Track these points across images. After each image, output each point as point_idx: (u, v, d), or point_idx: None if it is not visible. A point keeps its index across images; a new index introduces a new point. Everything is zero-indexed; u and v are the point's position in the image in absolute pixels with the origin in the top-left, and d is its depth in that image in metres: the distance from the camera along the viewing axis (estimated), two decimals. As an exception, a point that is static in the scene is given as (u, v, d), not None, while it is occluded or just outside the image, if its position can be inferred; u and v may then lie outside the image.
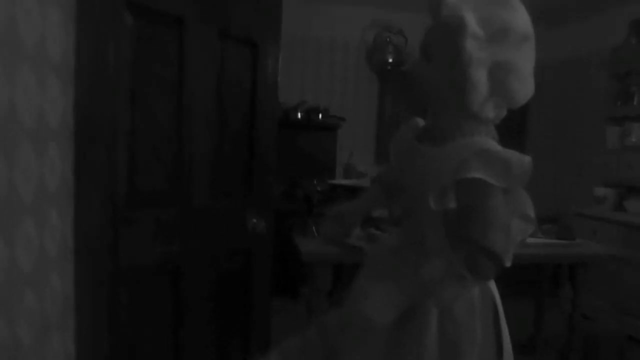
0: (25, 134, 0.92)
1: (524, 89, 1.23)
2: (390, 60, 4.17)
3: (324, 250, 2.20)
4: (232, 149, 1.66)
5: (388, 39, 4.20)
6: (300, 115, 4.04)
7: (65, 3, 1.04)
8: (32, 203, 0.94)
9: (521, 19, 1.20)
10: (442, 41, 1.22)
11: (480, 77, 1.18)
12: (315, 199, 2.55)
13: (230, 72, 1.61)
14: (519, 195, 1.27)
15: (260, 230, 1.76)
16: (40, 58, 0.97)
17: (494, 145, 1.24)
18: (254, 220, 1.75)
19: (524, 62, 1.21)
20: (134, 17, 1.24)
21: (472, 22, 1.15)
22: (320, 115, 4.10)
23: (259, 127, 1.75)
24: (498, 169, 1.18)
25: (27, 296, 0.93)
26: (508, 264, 1.18)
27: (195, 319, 1.56)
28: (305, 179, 4.01)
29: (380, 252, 1.56)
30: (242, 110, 1.70)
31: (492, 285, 1.40)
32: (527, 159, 1.17)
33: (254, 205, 1.76)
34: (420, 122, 1.68)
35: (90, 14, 1.07)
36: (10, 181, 0.87)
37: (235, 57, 1.63)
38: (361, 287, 1.41)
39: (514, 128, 4.40)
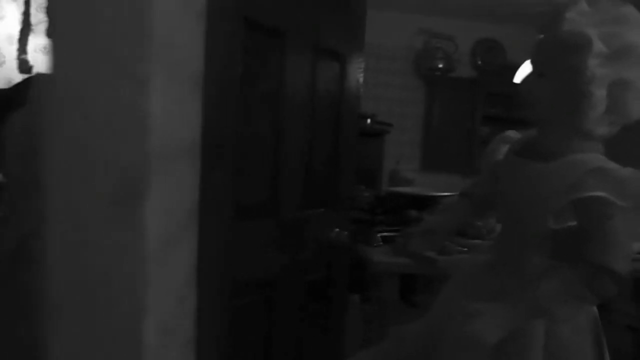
0: (166, 149, 0.94)
1: None
2: (440, 66, 4.14)
3: (393, 259, 2.20)
4: (318, 160, 1.67)
5: (438, 45, 4.18)
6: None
7: (197, 21, 1.06)
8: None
9: None
10: (559, 57, 1.21)
11: (600, 95, 1.17)
12: (378, 208, 2.54)
13: (320, 84, 1.62)
14: (636, 213, 1.25)
15: (342, 241, 1.76)
16: (176, 75, 0.99)
17: (608, 162, 1.22)
18: (337, 230, 1.75)
19: None
20: (247, 32, 1.25)
21: (596, 39, 1.14)
22: (368, 121, 4.10)
23: (342, 138, 1.75)
24: (615, 186, 1.16)
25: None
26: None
27: (285, 334, 1.57)
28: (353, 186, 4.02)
29: (472, 267, 1.55)
30: (329, 122, 1.70)
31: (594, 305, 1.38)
32: None
33: (336, 216, 1.76)
34: (515, 135, 1.66)
35: (217, 28, 1.08)
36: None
37: (324, 69, 1.64)
38: (462, 305, 1.40)
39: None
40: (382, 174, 4.24)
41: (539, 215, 1.28)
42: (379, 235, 2.44)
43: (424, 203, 2.72)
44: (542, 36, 1.28)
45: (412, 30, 4.19)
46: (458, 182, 4.34)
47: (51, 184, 0.54)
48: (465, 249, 2.18)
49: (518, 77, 2.20)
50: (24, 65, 1.24)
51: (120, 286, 0.68)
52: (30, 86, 1.15)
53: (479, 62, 4.36)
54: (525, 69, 2.76)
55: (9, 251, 1.12)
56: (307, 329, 1.70)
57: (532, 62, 1.32)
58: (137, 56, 0.57)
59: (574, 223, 1.23)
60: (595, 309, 1.36)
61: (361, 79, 1.83)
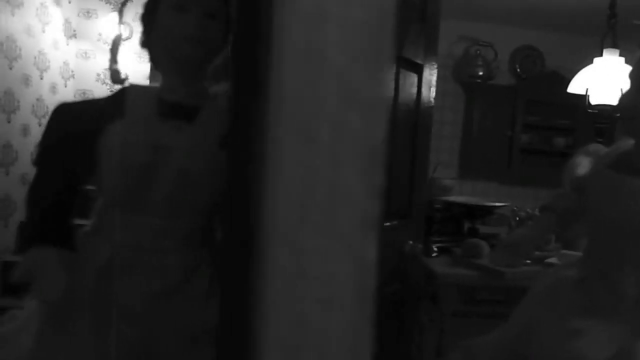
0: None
1: None
2: (480, 73, 4.10)
3: (454, 270, 2.18)
4: (398, 171, 1.65)
5: (478, 52, 4.14)
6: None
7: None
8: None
9: None
10: None
11: None
12: (436, 218, 2.51)
13: (401, 93, 1.60)
14: None
15: (416, 254, 1.74)
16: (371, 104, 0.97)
17: None
18: (411, 243, 1.73)
19: None
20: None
21: None
22: (407, 129, 4.08)
23: (418, 147, 1.74)
24: None
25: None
26: None
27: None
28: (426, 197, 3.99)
29: (556, 282, 1.51)
30: (406, 131, 1.68)
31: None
32: None
33: (411, 228, 1.74)
34: (600, 148, 1.62)
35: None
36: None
37: (404, 78, 1.62)
38: (559, 322, 1.37)
39: None
40: (420, 181, 4.20)
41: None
42: (434, 245, 2.41)
43: (476, 213, 2.68)
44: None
45: (452, 38, 4.16)
46: (496, 190, 4.31)
47: (269, 204, 0.52)
48: (529, 262, 2.14)
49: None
50: (116, 76, 1.23)
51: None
52: (125, 97, 1.14)
53: (518, 70, 4.31)
54: (578, 79, 2.71)
55: (100, 261, 1.11)
56: (379, 343, 1.68)
57: (632, 77, 1.30)
58: (372, 80, 0.55)
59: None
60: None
61: (434, 88, 1.81)
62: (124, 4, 1.57)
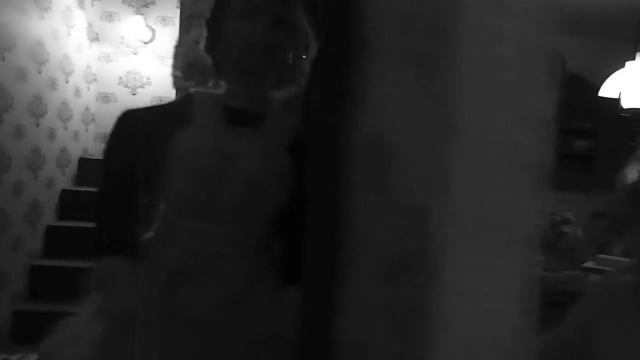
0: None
1: None
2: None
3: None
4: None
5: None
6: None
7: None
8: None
9: None
10: None
11: None
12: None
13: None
14: None
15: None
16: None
17: None
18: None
19: None
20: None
21: None
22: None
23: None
24: None
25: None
26: None
27: None
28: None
29: (610, 288, 1.50)
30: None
31: None
32: None
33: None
34: (655, 154, 1.61)
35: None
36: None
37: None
38: (612, 329, 1.35)
39: None
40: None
41: None
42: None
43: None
44: None
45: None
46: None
47: (438, 222, 0.51)
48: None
49: None
50: (178, 82, 1.22)
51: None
52: (191, 104, 1.13)
53: (539, 72, 4.31)
54: (610, 82, 2.70)
55: (165, 269, 1.10)
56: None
57: None
58: (543, 99, 0.54)
59: None
60: None
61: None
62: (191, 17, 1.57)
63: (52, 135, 3.23)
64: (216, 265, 1.10)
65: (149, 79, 4.12)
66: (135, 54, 4.11)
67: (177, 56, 1.33)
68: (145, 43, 4.06)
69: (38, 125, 3.03)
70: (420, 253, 0.53)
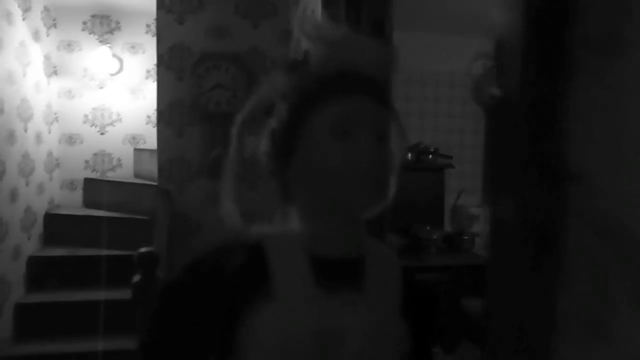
0: None
1: None
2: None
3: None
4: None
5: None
6: (411, 156, 3.73)
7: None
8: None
9: None
10: None
11: None
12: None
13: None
14: None
15: None
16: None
17: None
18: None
19: None
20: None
21: None
22: (430, 156, 3.80)
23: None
24: None
25: None
26: None
27: None
28: (415, 225, 3.71)
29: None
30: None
31: None
32: None
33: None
34: None
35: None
36: None
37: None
38: None
39: None
40: (443, 210, 3.93)
41: None
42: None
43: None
44: None
45: (471, 55, 3.89)
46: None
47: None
48: None
49: None
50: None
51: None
52: (265, 259, 0.85)
53: (535, 85, 4.12)
54: None
55: None
56: None
57: None
58: None
59: None
60: None
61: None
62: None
63: (13, 194, 2.75)
64: None
65: (118, 114, 3.64)
66: (101, 88, 3.62)
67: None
68: (112, 74, 3.57)
69: (-3, 189, 2.55)
70: None
